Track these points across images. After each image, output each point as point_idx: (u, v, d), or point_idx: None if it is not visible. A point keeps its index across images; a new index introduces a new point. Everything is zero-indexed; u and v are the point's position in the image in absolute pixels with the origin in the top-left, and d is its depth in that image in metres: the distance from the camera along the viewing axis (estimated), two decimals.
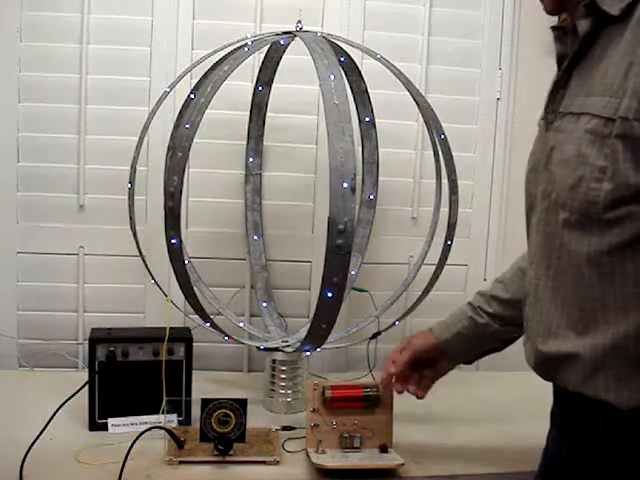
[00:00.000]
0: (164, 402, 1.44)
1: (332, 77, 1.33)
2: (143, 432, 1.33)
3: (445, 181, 1.64)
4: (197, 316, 1.56)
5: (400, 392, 1.38)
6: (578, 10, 0.97)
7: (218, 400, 1.36)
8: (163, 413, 1.45)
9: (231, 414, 1.36)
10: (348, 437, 1.39)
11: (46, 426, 1.36)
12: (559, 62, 1.02)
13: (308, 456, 1.37)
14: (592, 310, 0.94)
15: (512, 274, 1.33)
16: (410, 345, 1.37)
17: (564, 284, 0.98)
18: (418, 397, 1.38)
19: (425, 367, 1.38)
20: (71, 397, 1.42)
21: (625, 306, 0.91)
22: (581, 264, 0.95)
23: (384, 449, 1.39)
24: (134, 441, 1.31)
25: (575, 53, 0.98)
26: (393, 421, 1.41)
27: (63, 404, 1.40)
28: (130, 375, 1.49)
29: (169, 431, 1.36)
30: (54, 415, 1.38)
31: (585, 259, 0.94)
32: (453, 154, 1.63)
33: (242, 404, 1.36)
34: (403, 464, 1.34)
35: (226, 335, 1.60)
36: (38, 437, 1.33)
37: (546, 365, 1.01)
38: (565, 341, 0.97)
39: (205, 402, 1.36)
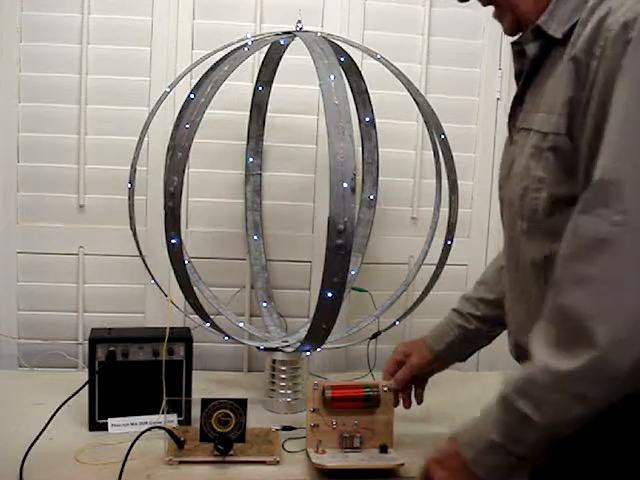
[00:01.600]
0: (164, 402, 1.44)
1: (332, 77, 1.33)
2: (143, 432, 1.33)
3: (445, 181, 1.64)
4: (197, 316, 1.56)
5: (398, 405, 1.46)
6: (526, 35, 1.05)
7: (218, 400, 1.36)
8: (163, 413, 1.45)
9: (231, 414, 1.36)
10: (348, 437, 1.39)
11: (46, 426, 1.36)
12: (517, 78, 1.09)
13: (308, 456, 1.37)
14: (538, 311, 0.97)
15: (493, 274, 1.39)
16: (409, 363, 1.43)
17: (521, 285, 1.08)
18: (418, 403, 1.48)
19: (421, 375, 1.47)
20: (71, 397, 1.42)
21: None
22: (529, 268, 1.04)
23: (384, 449, 1.39)
24: (134, 441, 1.31)
25: (527, 73, 1.06)
26: (394, 421, 1.41)
27: (63, 404, 1.40)
28: (130, 375, 1.49)
29: (169, 431, 1.36)
30: (54, 415, 1.38)
31: (530, 263, 1.03)
32: (453, 154, 1.63)
33: (242, 404, 1.36)
34: (403, 464, 1.34)
35: (226, 335, 1.60)
36: (38, 437, 1.33)
37: (524, 356, 1.01)
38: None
39: (205, 402, 1.36)
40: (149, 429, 1.35)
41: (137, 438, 1.31)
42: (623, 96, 0.87)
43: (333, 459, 1.35)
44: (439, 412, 1.59)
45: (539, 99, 1.03)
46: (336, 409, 1.39)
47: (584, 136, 0.92)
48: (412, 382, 1.46)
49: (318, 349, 1.56)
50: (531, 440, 0.92)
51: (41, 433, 1.34)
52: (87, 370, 1.50)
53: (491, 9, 1.10)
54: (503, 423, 0.93)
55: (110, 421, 1.48)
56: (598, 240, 0.85)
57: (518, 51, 1.09)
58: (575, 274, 0.87)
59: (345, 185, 1.26)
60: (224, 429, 1.36)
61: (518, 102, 1.09)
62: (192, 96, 1.49)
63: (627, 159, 0.84)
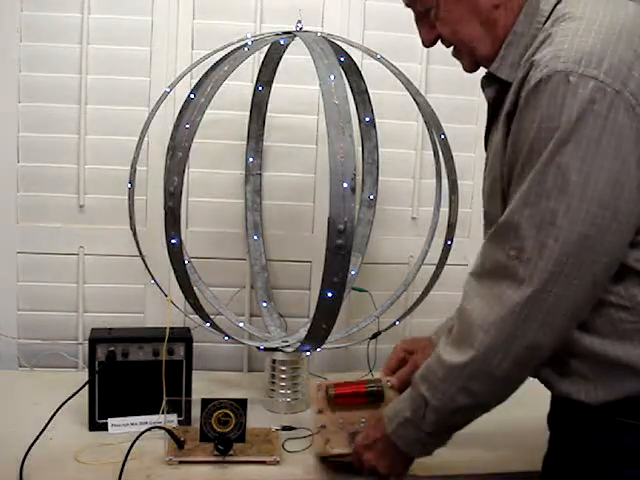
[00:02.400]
0: (164, 402, 1.44)
1: (332, 77, 1.33)
2: (143, 432, 1.33)
3: (445, 181, 1.64)
4: (197, 316, 1.56)
5: None
6: (482, 81, 1.13)
7: (218, 400, 1.36)
8: (163, 413, 1.45)
9: (231, 414, 1.36)
10: (354, 433, 1.36)
11: (46, 426, 1.36)
12: (488, 104, 1.16)
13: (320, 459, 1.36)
14: None
15: None
16: (412, 362, 1.40)
17: None
18: None
19: None
20: (71, 397, 1.42)
21: None
22: None
23: None
24: (134, 441, 1.31)
25: (489, 114, 1.16)
26: None
27: (63, 404, 1.40)
28: (130, 375, 1.49)
29: (169, 431, 1.36)
30: (54, 415, 1.38)
31: None
32: (453, 154, 1.63)
33: (242, 404, 1.36)
34: None
35: (226, 335, 1.60)
36: (38, 437, 1.33)
37: None
38: None
39: (205, 402, 1.36)
40: (149, 429, 1.35)
41: (137, 438, 1.31)
42: (535, 151, 0.95)
43: (338, 448, 1.33)
44: None
45: (494, 140, 1.12)
46: (341, 406, 1.37)
47: (506, 183, 1.05)
48: None
49: (318, 349, 1.56)
50: (432, 419, 1.08)
51: (41, 433, 1.34)
52: (87, 370, 1.50)
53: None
54: (413, 402, 1.11)
55: (110, 421, 1.48)
56: (496, 267, 1.00)
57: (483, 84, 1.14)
58: (476, 287, 1.03)
59: (345, 185, 1.26)
60: (224, 429, 1.36)
61: (487, 131, 1.19)
62: (192, 96, 1.49)
63: (526, 207, 0.96)
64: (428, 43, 1.15)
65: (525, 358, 1.00)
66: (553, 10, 1.01)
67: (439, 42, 1.15)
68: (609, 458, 1.01)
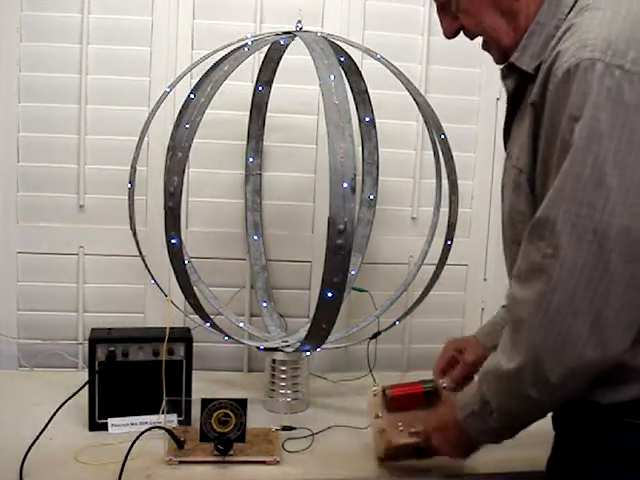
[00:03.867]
0: (164, 402, 1.44)
1: (332, 77, 1.33)
2: (143, 432, 1.33)
3: (445, 181, 1.64)
4: (197, 316, 1.56)
5: None
6: (502, 71, 1.10)
7: (218, 400, 1.36)
8: (163, 413, 1.45)
9: (231, 414, 1.36)
10: (418, 434, 1.34)
11: (46, 426, 1.36)
12: (508, 96, 1.13)
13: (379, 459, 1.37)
14: None
15: None
16: (463, 362, 1.41)
17: None
18: None
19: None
20: (71, 397, 1.42)
21: None
22: None
23: None
24: (134, 441, 1.31)
25: (508, 105, 1.13)
26: None
27: (63, 404, 1.40)
28: (130, 375, 1.49)
29: (169, 431, 1.36)
30: (54, 415, 1.39)
31: None
32: (453, 154, 1.63)
33: (242, 404, 1.36)
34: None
35: (226, 335, 1.60)
36: (38, 437, 1.33)
37: None
38: None
39: (205, 402, 1.36)
40: (149, 429, 1.35)
41: (137, 438, 1.31)
42: (568, 144, 0.92)
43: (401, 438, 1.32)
44: None
45: (517, 132, 1.09)
46: (399, 408, 1.36)
47: (538, 177, 1.02)
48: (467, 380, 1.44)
49: (318, 349, 1.56)
50: (496, 417, 1.07)
51: (41, 433, 1.34)
52: (87, 370, 1.50)
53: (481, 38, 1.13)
54: (479, 399, 1.09)
55: (110, 421, 1.48)
56: (532, 268, 0.97)
57: (504, 75, 1.12)
58: (518, 291, 1.00)
59: (345, 185, 1.26)
60: (224, 429, 1.36)
61: (507, 129, 1.16)
62: (192, 96, 1.49)
63: (562, 202, 0.93)
64: (450, 34, 1.13)
65: (572, 362, 0.95)
66: (577, 0, 1.00)
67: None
68: (613, 458, 1.00)
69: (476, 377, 1.14)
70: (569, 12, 1.01)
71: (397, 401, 1.37)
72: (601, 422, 1.02)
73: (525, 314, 0.97)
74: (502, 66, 1.11)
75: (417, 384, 1.40)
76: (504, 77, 1.11)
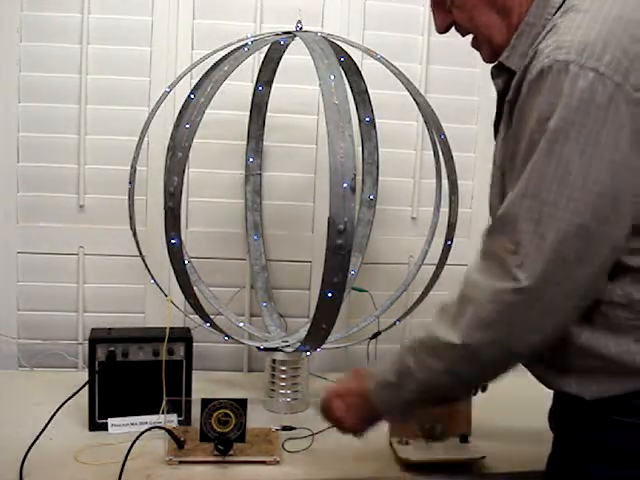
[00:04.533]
0: (164, 402, 1.44)
1: (332, 77, 1.33)
2: (143, 432, 1.33)
3: (445, 181, 1.64)
4: (197, 316, 1.56)
5: None
6: (491, 71, 1.10)
7: (218, 400, 1.36)
8: (163, 413, 1.45)
9: (231, 414, 1.36)
10: (428, 427, 1.40)
11: (46, 426, 1.36)
12: (498, 95, 1.13)
13: (392, 448, 1.39)
14: None
15: None
16: None
17: None
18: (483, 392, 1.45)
19: None
20: (71, 397, 1.42)
21: None
22: None
23: (465, 439, 1.41)
24: (134, 441, 1.31)
25: (497, 105, 1.12)
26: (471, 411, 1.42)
27: (63, 404, 1.40)
28: (130, 375, 1.49)
29: (169, 431, 1.36)
30: (54, 415, 1.38)
31: None
32: (453, 154, 1.63)
33: (242, 404, 1.36)
34: (485, 457, 1.36)
35: (226, 335, 1.60)
36: (38, 437, 1.33)
37: None
38: None
39: (205, 402, 1.36)
40: (149, 429, 1.35)
41: (137, 438, 1.31)
42: (535, 142, 0.93)
43: (418, 451, 1.37)
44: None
45: (500, 129, 1.10)
46: None
47: (507, 173, 1.03)
48: None
49: (318, 349, 1.56)
50: (413, 388, 1.07)
51: (41, 433, 1.34)
52: (87, 370, 1.50)
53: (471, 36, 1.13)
54: (397, 368, 1.08)
55: (110, 421, 1.48)
56: (493, 260, 0.98)
57: (494, 73, 1.12)
58: (475, 276, 1.01)
59: (345, 185, 1.26)
60: (224, 429, 1.36)
61: (496, 126, 1.15)
62: (192, 96, 1.49)
63: (525, 199, 0.94)
64: (442, 29, 1.13)
65: (516, 351, 0.99)
66: (564, 1, 1.01)
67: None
68: (601, 457, 1.01)
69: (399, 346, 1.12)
70: (555, 12, 1.01)
71: None
72: (589, 420, 1.02)
73: (475, 296, 0.99)
74: (492, 65, 1.11)
75: None
76: (494, 77, 1.11)
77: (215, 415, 1.35)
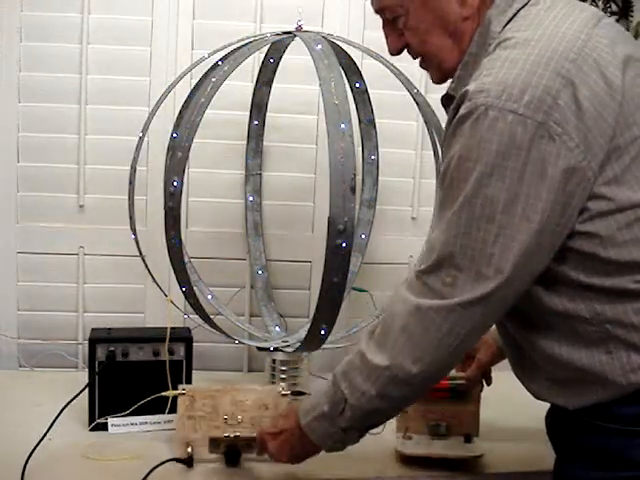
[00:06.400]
0: (169, 402, 1.43)
1: (332, 77, 1.33)
2: (155, 467, 1.27)
3: None
4: (197, 316, 1.56)
5: None
6: (441, 100, 1.12)
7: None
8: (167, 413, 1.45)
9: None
10: (435, 425, 1.41)
11: (50, 427, 1.35)
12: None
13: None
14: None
15: None
16: (478, 361, 1.41)
17: None
18: (488, 385, 1.48)
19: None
20: (74, 398, 1.42)
21: None
22: None
23: (469, 439, 1.41)
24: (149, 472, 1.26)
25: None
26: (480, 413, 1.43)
27: (67, 405, 1.40)
28: (130, 375, 1.49)
29: (177, 459, 1.33)
30: (58, 416, 1.38)
31: None
32: None
33: None
34: (481, 456, 1.35)
35: (226, 335, 1.60)
36: (40, 441, 1.32)
37: None
38: None
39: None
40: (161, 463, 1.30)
41: (154, 468, 1.26)
42: (459, 182, 0.95)
43: (415, 445, 1.38)
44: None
45: None
46: (424, 397, 1.35)
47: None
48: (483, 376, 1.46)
49: (318, 349, 1.56)
50: (349, 416, 1.07)
51: (43, 437, 1.32)
52: (87, 370, 1.50)
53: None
54: (332, 397, 1.08)
55: (110, 421, 1.48)
56: (428, 289, 0.99)
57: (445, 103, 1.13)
58: (406, 296, 1.02)
59: (345, 185, 1.26)
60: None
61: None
62: (192, 96, 1.49)
63: (458, 237, 0.96)
64: (395, 51, 1.13)
65: (441, 369, 1.04)
66: (502, 31, 1.00)
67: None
68: (584, 459, 1.02)
69: (329, 377, 1.12)
70: (492, 45, 1.00)
71: None
72: (574, 426, 1.03)
73: (404, 316, 1.00)
74: (443, 95, 1.12)
75: (445, 379, 1.40)
76: (444, 105, 1.12)
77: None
